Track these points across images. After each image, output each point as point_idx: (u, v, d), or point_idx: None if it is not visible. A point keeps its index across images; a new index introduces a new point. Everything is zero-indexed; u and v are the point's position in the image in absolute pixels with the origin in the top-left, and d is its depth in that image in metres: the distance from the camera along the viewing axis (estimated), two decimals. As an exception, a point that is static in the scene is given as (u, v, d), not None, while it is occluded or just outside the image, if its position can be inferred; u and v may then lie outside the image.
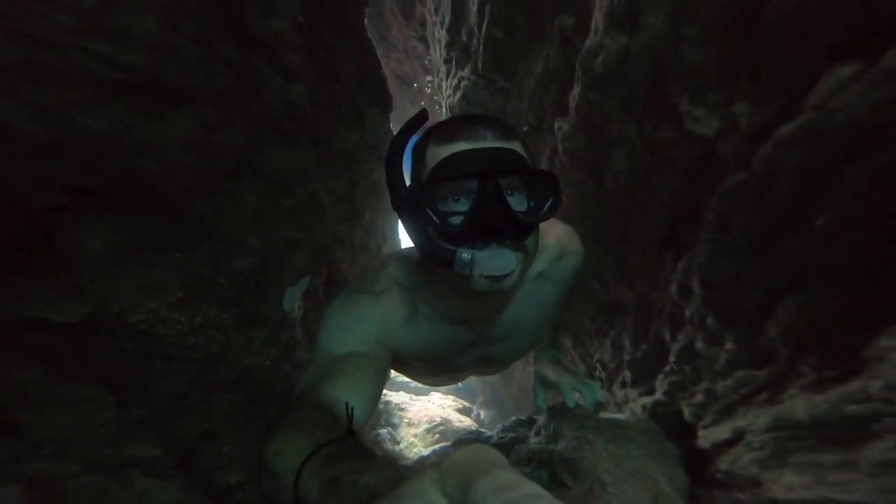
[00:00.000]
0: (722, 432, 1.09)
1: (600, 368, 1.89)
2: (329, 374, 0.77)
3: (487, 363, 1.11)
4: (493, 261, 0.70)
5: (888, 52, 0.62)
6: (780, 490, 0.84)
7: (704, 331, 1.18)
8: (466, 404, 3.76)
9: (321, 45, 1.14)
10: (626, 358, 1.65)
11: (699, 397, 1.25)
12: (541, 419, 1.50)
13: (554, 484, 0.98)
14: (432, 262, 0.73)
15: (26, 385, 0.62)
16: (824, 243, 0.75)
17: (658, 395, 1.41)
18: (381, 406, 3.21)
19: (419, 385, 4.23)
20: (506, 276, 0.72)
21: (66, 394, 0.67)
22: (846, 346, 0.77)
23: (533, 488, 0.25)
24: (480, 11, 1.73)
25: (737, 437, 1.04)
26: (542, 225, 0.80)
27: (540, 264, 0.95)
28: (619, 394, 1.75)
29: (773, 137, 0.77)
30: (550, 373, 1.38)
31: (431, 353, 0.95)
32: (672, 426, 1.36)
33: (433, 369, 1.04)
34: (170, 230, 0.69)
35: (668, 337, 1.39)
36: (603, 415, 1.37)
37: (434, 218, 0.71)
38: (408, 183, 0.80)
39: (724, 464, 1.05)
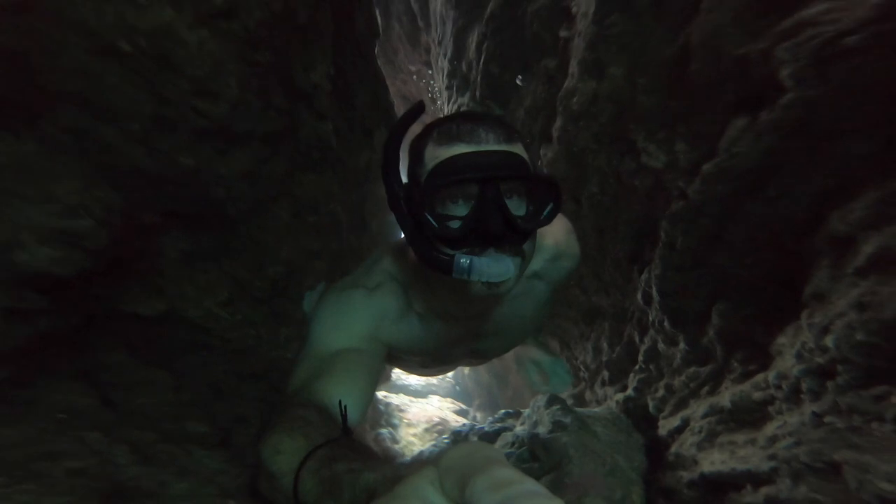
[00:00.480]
0: (674, 421, 1.27)
1: (583, 369, 2.07)
2: (322, 371, 0.76)
3: (478, 355, 1.12)
4: (491, 267, 0.69)
5: (765, 109, 0.82)
6: (706, 465, 1.01)
7: (663, 333, 1.36)
8: (463, 406, 3.92)
9: (342, 80, 1.34)
10: (605, 359, 1.83)
11: (660, 392, 1.43)
12: (526, 411, 1.67)
13: (531, 458, 1.16)
14: (429, 266, 0.73)
15: (118, 367, 0.81)
16: (739, 261, 0.93)
17: (629, 391, 1.59)
18: (382, 407, 3.38)
19: (418, 388, 4.39)
20: (503, 281, 0.71)
21: (144, 376, 0.85)
22: (761, 344, 0.95)
23: (530, 485, 0.25)
24: (479, 48, 1.94)
25: (684, 425, 1.21)
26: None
27: (535, 264, 0.93)
28: (600, 392, 1.93)
29: (701, 173, 0.96)
30: (535, 353, 1.56)
31: (424, 348, 0.95)
32: (640, 419, 1.54)
33: (425, 361, 1.06)
34: (224, 242, 0.89)
35: (637, 339, 1.57)
36: (580, 409, 1.54)
37: (433, 223, 0.70)
38: (404, 178, 0.78)
39: (674, 448, 1.23)
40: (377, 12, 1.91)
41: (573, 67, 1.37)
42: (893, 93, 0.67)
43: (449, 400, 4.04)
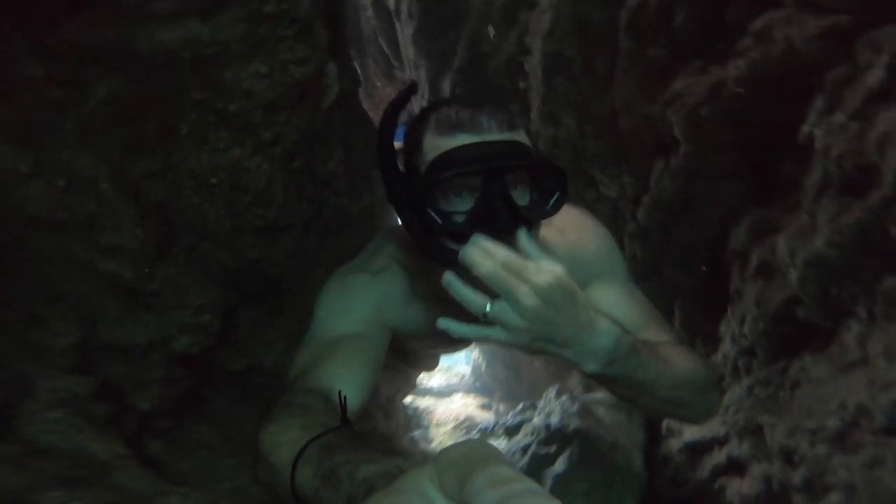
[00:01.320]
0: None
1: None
2: (325, 358, 0.75)
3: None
4: None
5: (672, 155, 1.06)
6: (687, 435, 1.26)
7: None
8: (486, 400, 4.20)
9: (346, 150, 1.58)
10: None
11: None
12: (541, 402, 1.93)
13: (547, 443, 1.43)
14: (433, 260, 0.72)
15: (221, 409, 1.08)
16: (683, 269, 1.19)
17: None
18: (410, 412, 3.65)
19: (441, 389, 4.66)
20: None
21: (239, 413, 1.12)
22: (711, 332, 1.21)
23: (529, 484, 0.25)
24: (452, 91, 2.18)
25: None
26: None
27: (542, 243, 0.86)
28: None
29: (643, 203, 1.21)
30: None
31: (430, 332, 0.95)
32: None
33: (430, 345, 1.06)
34: (279, 307, 1.13)
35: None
36: (586, 396, 1.80)
37: (436, 218, 0.69)
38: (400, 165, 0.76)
39: (665, 423, 1.49)
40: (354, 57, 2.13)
41: (534, 114, 1.61)
42: (747, 151, 0.92)
43: (471, 396, 4.32)
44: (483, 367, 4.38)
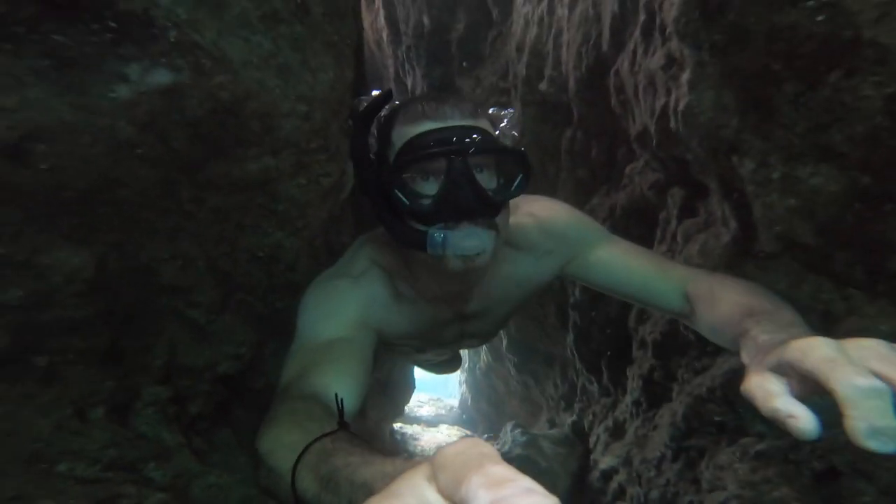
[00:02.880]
0: (594, 436, 1.84)
1: (552, 400, 2.64)
2: (314, 363, 0.75)
3: (470, 337, 1.12)
4: (465, 240, 0.69)
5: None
6: (602, 464, 1.58)
7: (584, 376, 1.95)
8: (469, 433, 4.44)
9: (356, 217, 1.95)
10: (560, 392, 2.41)
11: (589, 416, 2.00)
12: (501, 433, 2.24)
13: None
14: (403, 244, 0.73)
15: (242, 419, 1.43)
16: (606, 337, 1.54)
17: (574, 416, 2.16)
18: (399, 437, 3.92)
19: (429, 418, 4.91)
20: (478, 254, 0.71)
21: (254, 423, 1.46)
22: (624, 383, 1.55)
23: (526, 482, 0.24)
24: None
25: (597, 438, 1.79)
26: (519, 200, 0.79)
27: (517, 238, 0.90)
28: (563, 416, 2.50)
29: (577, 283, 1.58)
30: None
31: (415, 332, 0.96)
32: (582, 435, 2.10)
33: (419, 346, 1.07)
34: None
35: (575, 379, 2.16)
36: (536, 432, 2.11)
37: (404, 199, 0.70)
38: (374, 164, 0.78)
39: (593, 454, 1.80)
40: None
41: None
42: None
43: (456, 428, 4.58)
44: (469, 402, 4.65)
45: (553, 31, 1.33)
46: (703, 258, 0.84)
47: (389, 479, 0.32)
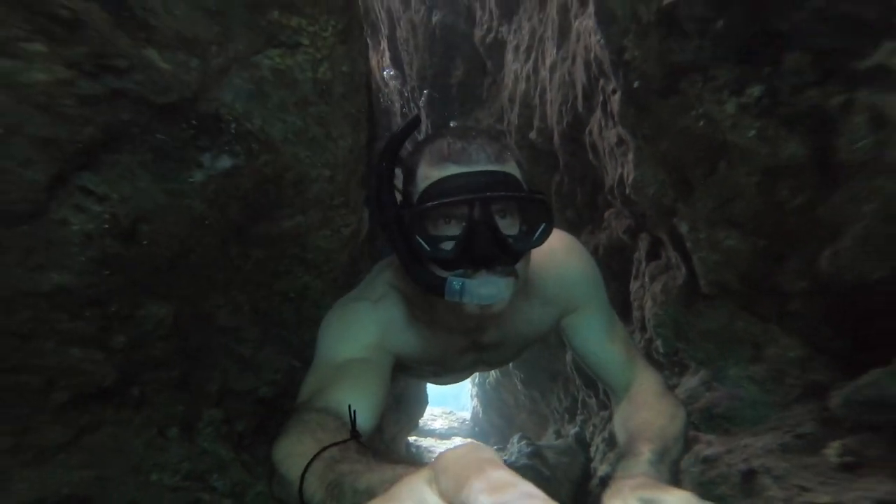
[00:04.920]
0: (594, 446, 1.99)
1: (557, 413, 2.79)
2: (333, 381, 0.76)
3: (487, 364, 1.13)
4: (482, 289, 0.69)
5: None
6: (601, 471, 1.73)
7: (583, 390, 2.10)
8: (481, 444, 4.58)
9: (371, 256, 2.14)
10: (565, 405, 2.56)
11: (590, 427, 2.15)
12: (509, 445, 2.40)
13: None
14: (421, 288, 0.73)
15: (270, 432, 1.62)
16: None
17: (577, 427, 2.31)
18: (414, 450, 4.07)
19: (442, 431, 5.04)
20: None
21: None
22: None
23: (526, 487, 0.25)
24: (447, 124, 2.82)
25: (596, 448, 1.94)
26: None
27: (533, 271, 0.88)
28: (567, 427, 2.64)
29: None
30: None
31: (432, 357, 0.97)
32: (584, 445, 2.25)
33: (436, 371, 1.08)
34: None
35: (576, 392, 2.31)
36: (541, 443, 2.26)
37: (424, 245, 0.70)
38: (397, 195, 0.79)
39: (594, 463, 1.95)
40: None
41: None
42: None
43: (469, 440, 4.71)
44: (480, 415, 4.78)
45: (539, 88, 1.53)
46: (665, 296, 1.01)
47: (391, 484, 0.32)
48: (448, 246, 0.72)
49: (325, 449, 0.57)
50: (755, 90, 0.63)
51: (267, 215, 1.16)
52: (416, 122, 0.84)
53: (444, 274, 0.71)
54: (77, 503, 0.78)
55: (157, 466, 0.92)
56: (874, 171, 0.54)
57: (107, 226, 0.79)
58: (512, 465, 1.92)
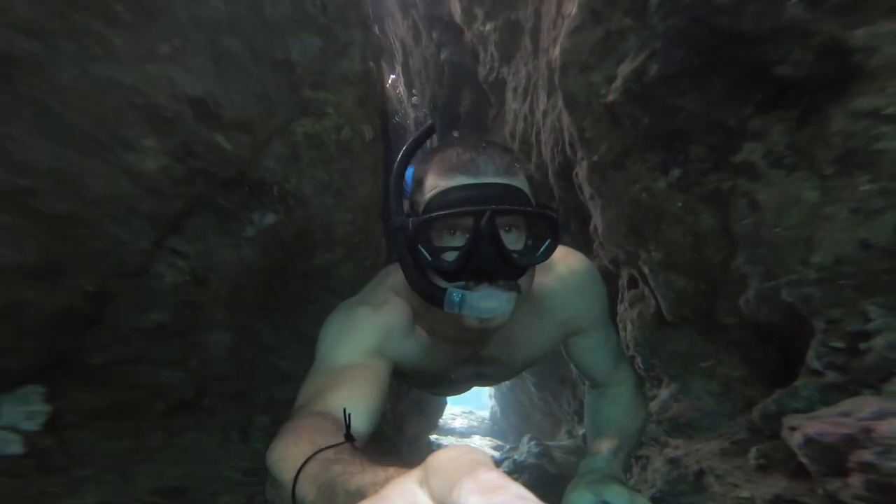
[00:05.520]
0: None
1: (569, 415, 2.96)
2: (330, 386, 0.75)
3: (487, 378, 1.13)
4: (483, 302, 0.69)
5: None
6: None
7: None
8: (500, 443, 4.76)
9: None
10: (574, 408, 2.72)
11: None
12: (520, 445, 2.59)
13: (511, 472, 2.10)
14: (421, 297, 0.72)
15: None
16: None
17: (584, 428, 2.47)
18: (434, 448, 4.29)
19: (462, 429, 5.25)
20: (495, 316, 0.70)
21: None
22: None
23: (517, 489, 0.25)
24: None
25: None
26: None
27: (539, 288, 0.90)
28: (578, 428, 2.81)
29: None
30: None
31: (430, 367, 0.95)
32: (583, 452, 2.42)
33: (433, 382, 1.08)
34: None
35: (582, 395, 2.48)
36: (550, 443, 2.44)
37: (426, 255, 0.70)
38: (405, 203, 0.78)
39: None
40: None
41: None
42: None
43: (488, 439, 4.91)
44: (498, 414, 4.97)
45: (534, 128, 1.71)
46: (641, 321, 1.19)
47: (382, 485, 0.32)
48: (451, 257, 0.72)
49: (319, 451, 0.56)
50: (675, 172, 0.80)
51: (301, 255, 1.40)
52: (430, 130, 0.83)
53: (445, 285, 0.71)
54: (178, 494, 1.03)
55: (227, 464, 1.16)
56: (756, 243, 0.72)
57: (188, 277, 1.03)
58: (520, 464, 2.11)
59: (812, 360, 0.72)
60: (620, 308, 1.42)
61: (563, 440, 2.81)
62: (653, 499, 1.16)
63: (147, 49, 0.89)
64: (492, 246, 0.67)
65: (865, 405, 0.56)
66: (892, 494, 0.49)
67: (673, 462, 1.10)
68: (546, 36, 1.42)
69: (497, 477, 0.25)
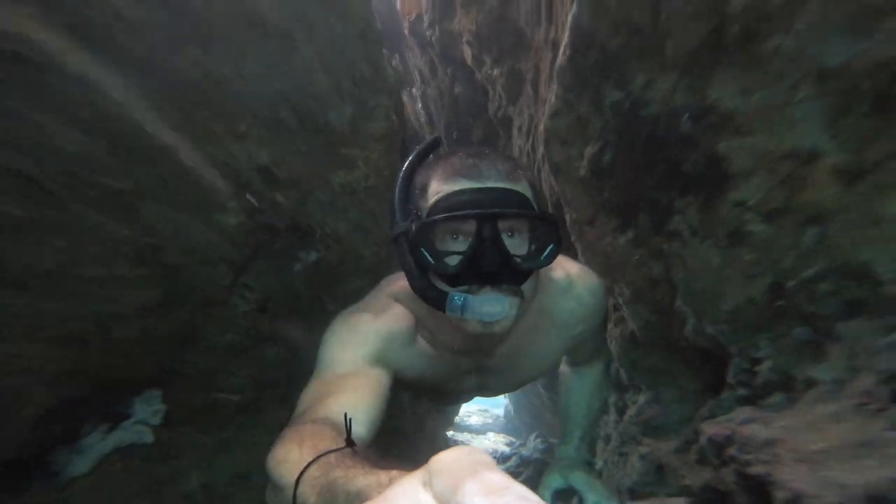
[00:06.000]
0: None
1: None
2: (331, 392, 0.76)
3: (485, 389, 1.14)
4: (485, 306, 0.70)
5: None
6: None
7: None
8: (513, 440, 5.01)
9: None
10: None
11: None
12: (527, 442, 2.83)
13: (516, 466, 2.34)
14: (424, 301, 0.74)
15: None
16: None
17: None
18: (452, 444, 4.57)
19: (477, 426, 5.51)
20: (498, 321, 0.72)
21: None
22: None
23: (521, 490, 0.25)
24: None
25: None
26: (558, 260, 0.78)
27: (544, 300, 0.91)
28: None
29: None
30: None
31: (431, 377, 0.95)
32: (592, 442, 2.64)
33: (433, 392, 1.09)
34: None
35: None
36: (554, 440, 2.67)
37: (429, 258, 0.71)
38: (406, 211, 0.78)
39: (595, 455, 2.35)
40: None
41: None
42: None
43: (502, 435, 5.17)
44: (512, 412, 5.21)
45: (535, 166, 1.96)
46: (622, 339, 1.41)
47: (383, 487, 0.33)
48: (453, 261, 0.73)
49: (321, 456, 0.57)
50: (630, 233, 1.03)
51: (337, 283, 1.68)
52: (436, 142, 0.86)
53: (448, 289, 0.72)
54: (244, 479, 1.32)
55: (278, 452, 1.46)
56: (687, 291, 0.95)
57: (254, 306, 1.32)
58: (527, 459, 2.36)
59: (730, 377, 0.96)
60: (609, 325, 1.66)
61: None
62: (629, 489, 1.40)
63: (230, 129, 1.18)
64: (494, 250, 0.68)
65: (742, 413, 0.79)
66: (747, 479, 0.72)
67: (644, 458, 1.34)
68: (543, 89, 1.66)
69: (501, 478, 0.26)
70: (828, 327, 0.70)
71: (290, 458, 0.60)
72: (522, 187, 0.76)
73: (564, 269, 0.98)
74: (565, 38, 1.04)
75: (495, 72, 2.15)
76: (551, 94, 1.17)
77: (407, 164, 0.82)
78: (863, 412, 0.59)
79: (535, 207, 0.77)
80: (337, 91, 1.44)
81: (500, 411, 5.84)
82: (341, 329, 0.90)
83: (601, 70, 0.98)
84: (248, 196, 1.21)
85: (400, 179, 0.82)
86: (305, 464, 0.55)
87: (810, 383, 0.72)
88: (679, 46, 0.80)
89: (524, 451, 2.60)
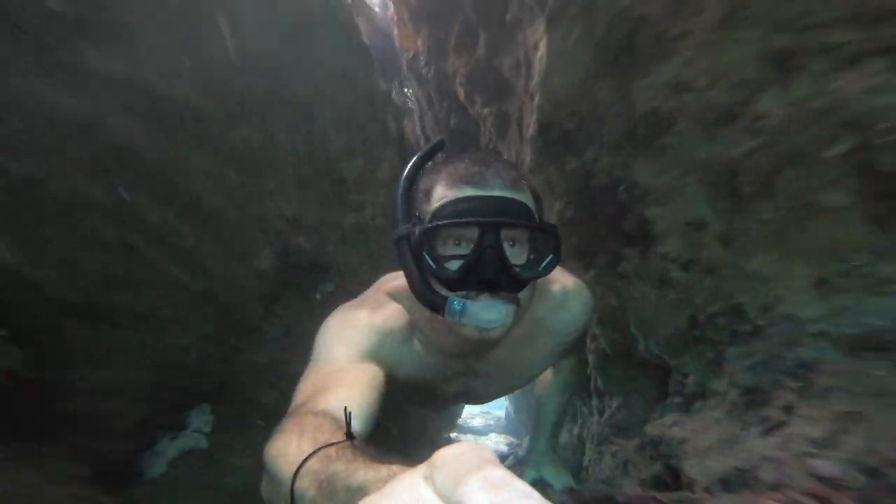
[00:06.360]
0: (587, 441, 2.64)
1: (567, 415, 3.42)
2: (328, 386, 0.76)
3: (475, 395, 1.14)
4: (483, 313, 0.71)
5: None
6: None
7: (579, 400, 2.75)
8: (515, 440, 5.25)
9: None
10: (569, 412, 3.20)
11: (585, 430, 2.79)
12: (524, 442, 3.06)
13: (512, 466, 2.59)
14: (423, 304, 0.75)
15: None
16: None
17: (577, 428, 2.94)
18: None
19: (480, 427, 5.74)
20: (495, 327, 0.73)
21: None
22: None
23: (522, 487, 0.25)
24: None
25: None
26: (555, 271, 0.79)
27: (539, 310, 0.92)
28: (574, 427, 3.28)
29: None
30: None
31: (421, 379, 0.96)
32: (582, 440, 2.89)
33: (420, 395, 1.07)
34: None
35: (576, 401, 2.95)
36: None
37: (430, 263, 0.72)
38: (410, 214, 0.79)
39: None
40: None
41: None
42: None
43: (503, 436, 5.41)
44: (512, 414, 5.45)
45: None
46: (596, 353, 1.65)
47: (385, 482, 0.33)
48: (454, 266, 0.74)
49: (320, 448, 0.56)
50: (591, 272, 1.30)
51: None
52: (439, 145, 0.86)
53: (447, 293, 0.73)
54: None
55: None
56: (636, 319, 1.21)
57: (282, 331, 1.58)
58: (523, 458, 2.60)
59: (670, 388, 1.21)
60: (588, 340, 1.91)
61: (563, 437, 3.28)
62: (603, 482, 1.65)
63: (263, 188, 1.44)
64: (495, 257, 0.69)
65: (671, 418, 1.04)
66: (670, 470, 0.96)
67: (614, 455, 1.59)
68: (525, 131, 1.92)
69: (502, 474, 0.26)
70: (723, 351, 0.95)
71: (288, 450, 0.60)
72: (525, 197, 0.77)
73: (560, 280, 1.00)
74: (534, 115, 1.29)
75: (485, 111, 2.40)
76: (526, 157, 1.42)
77: (410, 165, 0.83)
78: (730, 417, 0.84)
79: (537, 217, 0.79)
80: (349, 148, 1.70)
81: (501, 413, 6.07)
82: (338, 324, 0.91)
83: (563, 142, 1.24)
84: (275, 243, 1.47)
85: (402, 180, 0.82)
86: (304, 456, 0.56)
87: (714, 394, 0.97)
88: (612, 134, 1.05)
89: (520, 451, 2.84)
